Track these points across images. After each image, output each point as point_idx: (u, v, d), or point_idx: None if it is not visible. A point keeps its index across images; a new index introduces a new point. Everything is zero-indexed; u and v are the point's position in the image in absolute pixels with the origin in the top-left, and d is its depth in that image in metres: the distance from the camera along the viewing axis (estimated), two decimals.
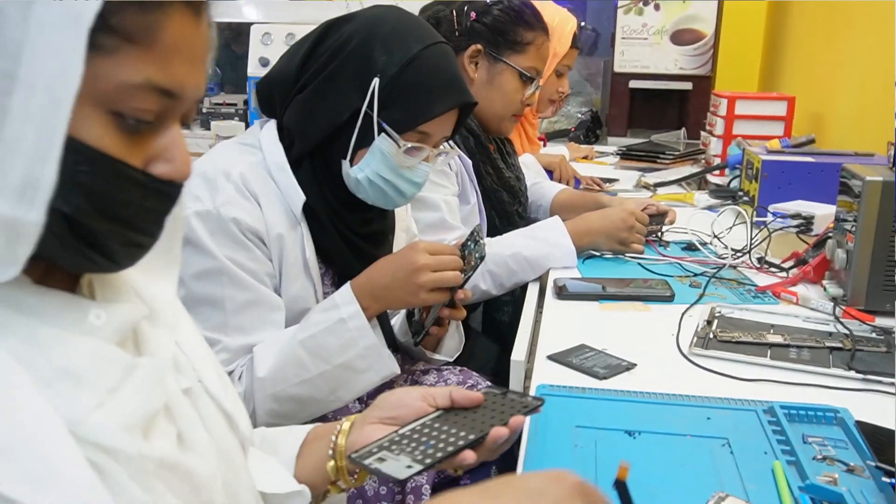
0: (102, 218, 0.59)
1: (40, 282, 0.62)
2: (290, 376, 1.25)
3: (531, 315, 1.57)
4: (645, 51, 3.59)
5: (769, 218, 1.84)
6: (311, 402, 1.27)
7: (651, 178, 2.77)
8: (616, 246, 1.84)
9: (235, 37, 4.69)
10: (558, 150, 3.30)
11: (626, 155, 3.09)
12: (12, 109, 0.54)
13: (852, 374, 1.23)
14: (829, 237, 1.63)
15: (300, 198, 1.31)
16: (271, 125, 1.37)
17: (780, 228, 1.81)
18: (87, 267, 0.64)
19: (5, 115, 0.54)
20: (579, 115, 3.88)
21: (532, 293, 1.72)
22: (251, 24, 4.00)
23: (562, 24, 2.58)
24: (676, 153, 3.02)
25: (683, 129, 3.36)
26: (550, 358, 1.30)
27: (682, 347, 1.34)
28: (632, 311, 1.53)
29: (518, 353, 1.38)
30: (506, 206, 2.00)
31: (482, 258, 1.31)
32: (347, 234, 1.37)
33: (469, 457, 0.88)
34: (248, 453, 0.84)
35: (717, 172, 2.69)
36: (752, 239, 1.80)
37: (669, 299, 1.56)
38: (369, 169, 1.31)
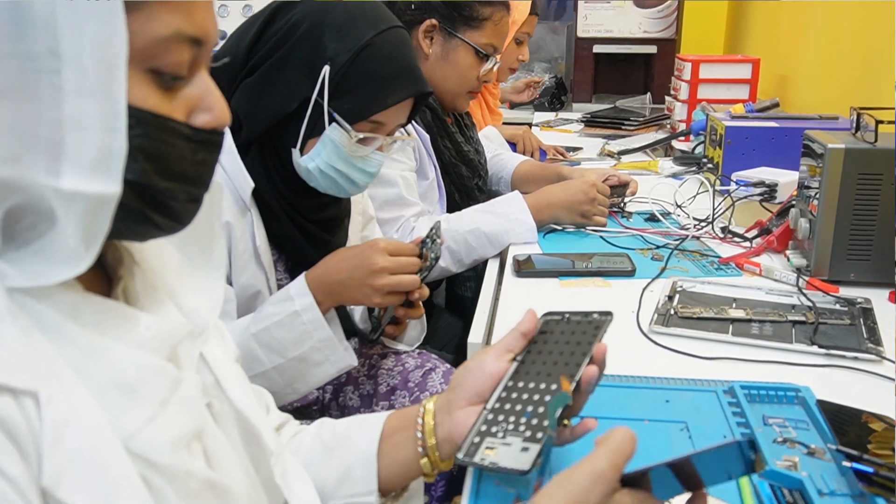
0: (163, 177, 0.59)
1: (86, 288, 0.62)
2: (244, 370, 1.20)
3: (490, 294, 1.52)
4: (608, 14, 3.53)
5: (732, 186, 1.81)
6: None
7: (615, 145, 2.73)
8: (578, 219, 1.80)
9: None
10: (522, 116, 3.25)
11: (591, 122, 3.04)
12: (66, 87, 0.53)
13: (815, 349, 1.20)
14: (793, 205, 1.60)
15: (249, 184, 1.25)
16: None
17: (744, 197, 1.78)
18: (153, 232, 0.63)
19: (60, 93, 0.53)
20: (544, 82, 3.82)
21: (492, 270, 1.67)
22: None
23: None
24: (641, 119, 2.98)
25: (648, 93, 3.31)
26: None
27: (643, 325, 1.30)
28: (592, 288, 1.49)
29: (475, 335, 1.34)
30: (465, 181, 1.96)
31: (437, 258, 1.26)
32: (300, 221, 1.32)
33: (592, 424, 0.83)
34: (276, 467, 0.81)
35: (682, 138, 2.65)
36: (714, 208, 1.77)
37: (631, 274, 1.53)
38: (320, 159, 1.25)
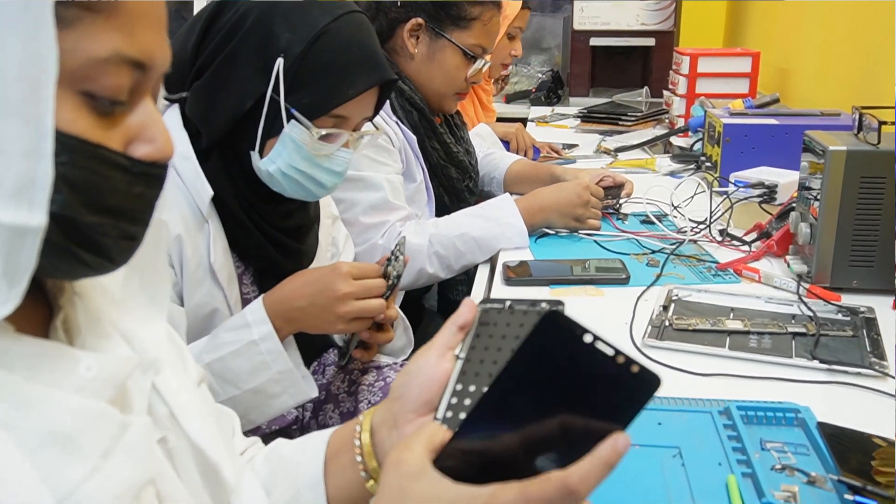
0: (91, 211, 0.54)
1: (18, 327, 0.56)
2: None
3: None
4: (605, 6, 3.45)
5: (731, 188, 1.75)
6: None
7: (612, 142, 2.66)
8: (571, 223, 1.74)
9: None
10: (518, 110, 3.19)
11: (587, 117, 2.97)
12: None
13: (816, 363, 1.15)
14: (793, 208, 1.54)
15: (207, 192, 1.18)
16: (175, 110, 1.23)
17: (743, 199, 1.72)
18: (82, 271, 0.58)
19: None
20: (540, 76, 3.75)
21: (482, 276, 1.62)
22: None
23: None
24: (639, 114, 2.91)
25: (646, 87, 3.24)
26: None
27: (636, 338, 1.25)
28: (584, 297, 1.43)
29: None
30: (454, 183, 1.89)
31: (399, 276, 1.20)
32: (267, 230, 1.25)
33: None
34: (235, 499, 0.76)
35: (680, 134, 2.59)
36: (712, 211, 1.71)
37: (625, 282, 1.47)
38: (281, 160, 1.18)
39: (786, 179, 1.71)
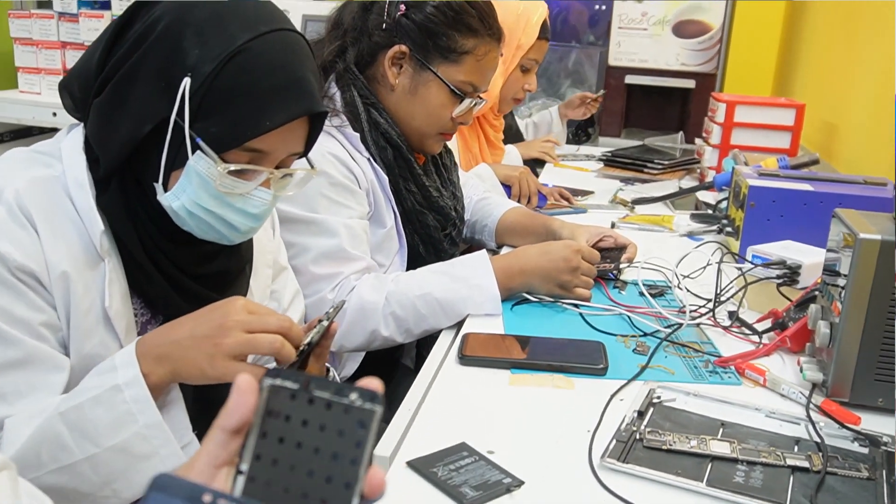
0: None
1: None
2: (47, 460, 0.92)
3: (424, 387, 1.23)
4: (644, 42, 3.22)
5: (747, 266, 1.50)
6: (75, 497, 0.95)
7: (631, 191, 2.41)
8: (555, 290, 1.50)
9: None
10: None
11: (611, 161, 2.72)
12: None
13: None
14: (814, 298, 1.29)
15: (98, 226, 1.00)
16: (79, 131, 1.07)
17: (761, 279, 1.46)
18: None
19: None
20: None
21: (442, 345, 1.38)
22: None
23: (528, 11, 2.23)
24: (667, 162, 2.66)
25: (682, 132, 2.99)
26: (410, 465, 0.97)
27: (595, 455, 1.01)
28: (550, 388, 1.20)
29: (384, 448, 1.05)
30: (431, 231, 1.65)
31: (310, 345, 0.98)
32: (174, 274, 1.06)
33: None
34: None
35: (708, 189, 2.33)
36: (722, 289, 1.46)
37: (601, 373, 1.23)
38: (186, 196, 0.99)
39: (811, 260, 1.45)
